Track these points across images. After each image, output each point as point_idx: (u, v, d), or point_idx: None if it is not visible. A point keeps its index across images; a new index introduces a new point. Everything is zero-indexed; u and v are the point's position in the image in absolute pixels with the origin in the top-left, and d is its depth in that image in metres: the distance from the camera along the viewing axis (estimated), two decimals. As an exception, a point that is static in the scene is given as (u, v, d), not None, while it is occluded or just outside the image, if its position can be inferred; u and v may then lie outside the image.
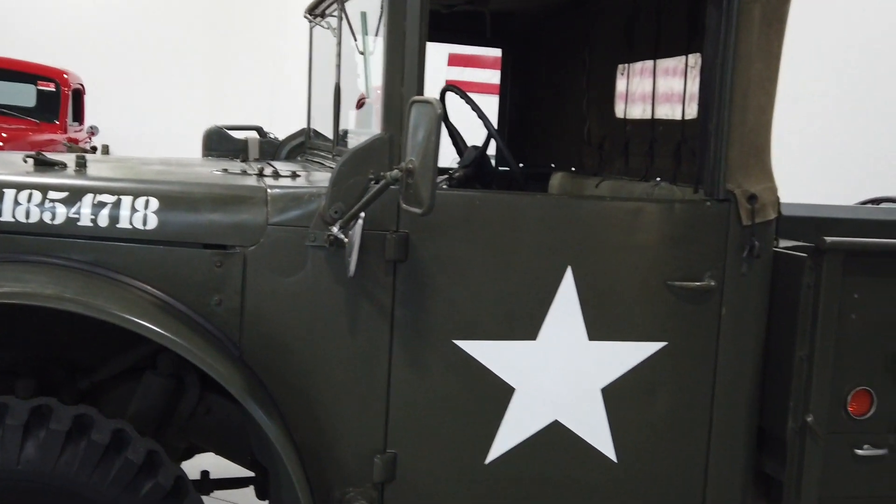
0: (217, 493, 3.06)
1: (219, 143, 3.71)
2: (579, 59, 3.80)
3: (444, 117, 3.33)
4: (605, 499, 2.58)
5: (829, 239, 2.56)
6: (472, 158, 3.06)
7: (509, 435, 2.49)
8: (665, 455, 2.60)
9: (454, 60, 9.09)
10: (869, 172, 9.19)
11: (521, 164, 4.32)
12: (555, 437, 2.52)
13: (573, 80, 3.87)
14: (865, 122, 9.72)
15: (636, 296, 2.53)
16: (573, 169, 3.89)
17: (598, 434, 2.54)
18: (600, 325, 2.51)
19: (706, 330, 2.58)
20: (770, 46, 2.58)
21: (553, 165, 4.04)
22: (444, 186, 2.88)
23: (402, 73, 2.34)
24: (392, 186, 2.24)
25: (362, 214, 2.24)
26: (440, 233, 2.41)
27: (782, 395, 2.68)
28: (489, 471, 2.49)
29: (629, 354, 2.53)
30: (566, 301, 2.48)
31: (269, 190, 2.43)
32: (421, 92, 2.36)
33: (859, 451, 2.69)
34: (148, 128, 11.17)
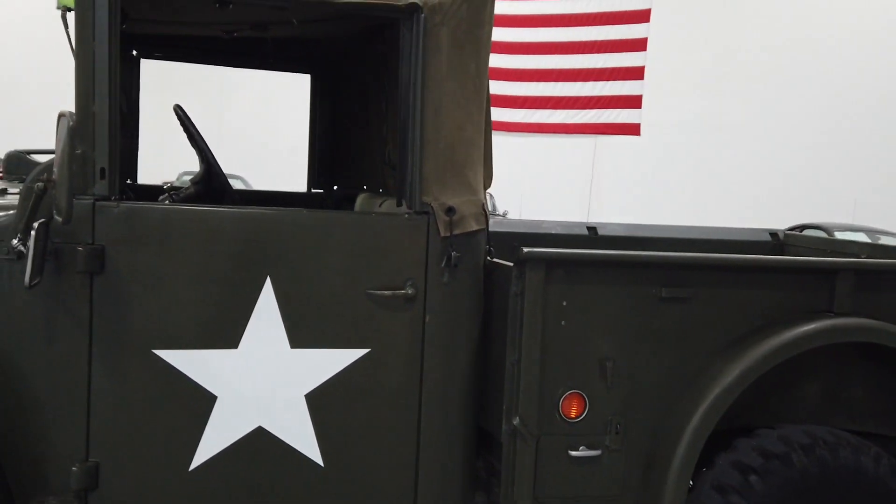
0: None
1: (18, 167, 3.81)
2: (380, 84, 3.93)
3: (187, 129, 3.45)
4: (312, 501, 2.65)
5: (526, 249, 2.68)
6: (200, 176, 3.18)
7: (213, 442, 2.57)
8: (373, 457, 2.69)
9: None
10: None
11: (335, 187, 4.45)
12: (259, 443, 2.60)
13: (376, 103, 4.00)
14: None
15: (337, 305, 2.63)
16: (381, 190, 4.00)
17: (303, 438, 2.62)
18: (301, 334, 2.61)
19: (410, 336, 2.68)
20: (465, 67, 2.71)
21: (365, 187, 4.16)
22: (167, 203, 2.98)
23: (94, 90, 2.44)
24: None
25: (35, 225, 2.34)
26: (137, 245, 2.50)
27: (499, 399, 2.78)
28: (194, 477, 2.57)
29: (331, 361, 2.63)
30: (266, 310, 2.58)
31: None
32: (115, 111, 2.47)
33: (573, 453, 2.79)
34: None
